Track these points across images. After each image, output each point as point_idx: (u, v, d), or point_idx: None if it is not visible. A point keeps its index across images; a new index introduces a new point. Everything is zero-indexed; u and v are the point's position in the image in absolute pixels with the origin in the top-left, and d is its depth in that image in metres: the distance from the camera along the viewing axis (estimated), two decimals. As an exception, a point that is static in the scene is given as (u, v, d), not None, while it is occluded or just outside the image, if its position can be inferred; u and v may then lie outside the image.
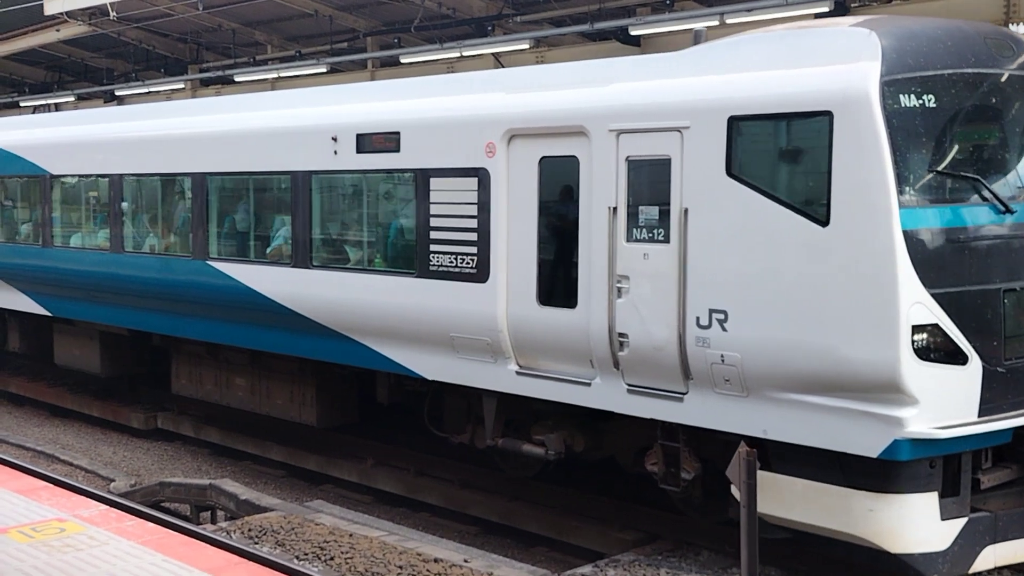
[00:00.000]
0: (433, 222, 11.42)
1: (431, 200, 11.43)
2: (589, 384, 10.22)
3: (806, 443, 8.78)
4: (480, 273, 10.90)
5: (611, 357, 9.87)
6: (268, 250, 13.76)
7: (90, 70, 29.49)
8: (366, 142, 12.10)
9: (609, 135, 9.81)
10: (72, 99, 28.15)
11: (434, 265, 11.35)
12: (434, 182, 11.39)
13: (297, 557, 10.52)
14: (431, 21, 19.79)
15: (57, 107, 29.04)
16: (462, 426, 12.29)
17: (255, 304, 13.54)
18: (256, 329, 13.88)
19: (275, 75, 22.31)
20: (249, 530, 11.26)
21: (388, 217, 12.43)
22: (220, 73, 23.50)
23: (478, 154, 10.89)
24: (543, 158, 10.44)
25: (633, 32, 16.81)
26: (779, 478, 9.02)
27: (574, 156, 10.15)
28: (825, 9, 14.15)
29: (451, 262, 11.18)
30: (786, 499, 9.00)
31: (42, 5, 22.71)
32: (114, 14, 21.78)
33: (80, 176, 17.25)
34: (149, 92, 25.50)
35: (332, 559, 10.46)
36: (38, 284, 18.06)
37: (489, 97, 11.15)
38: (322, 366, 13.88)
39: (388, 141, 11.84)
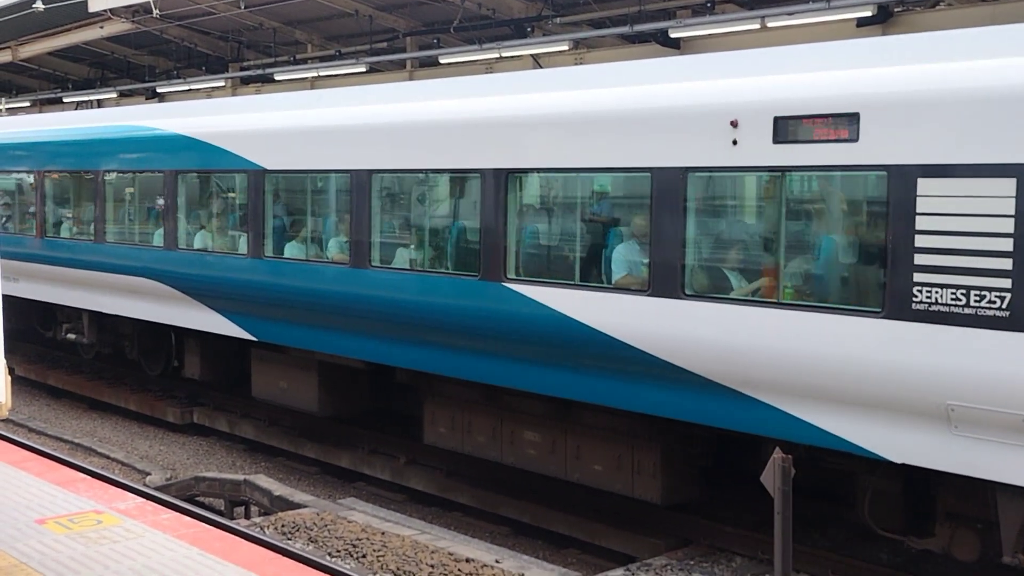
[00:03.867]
0: (920, 241, 8.27)
1: (917, 209, 8.29)
2: None
3: None
4: (1016, 317, 7.82)
5: None
6: (615, 275, 10.50)
7: (132, 67, 29.82)
8: (793, 128, 9.01)
9: None
10: (115, 95, 28.48)
11: (921, 301, 8.26)
12: (924, 184, 8.26)
13: (330, 554, 10.59)
14: (470, 22, 19.83)
15: (100, 103, 29.35)
16: (927, 526, 9.37)
17: (577, 341, 10.55)
18: (570, 372, 10.88)
19: (315, 74, 22.46)
20: (282, 526, 11.36)
21: (823, 231, 9.40)
22: (260, 72, 23.72)
23: (1020, 144, 7.80)
24: None
25: (673, 35, 16.77)
26: None
27: None
28: (868, 14, 14.05)
29: (956, 299, 8.09)
30: None
31: (86, 2, 22.97)
32: (157, 12, 21.98)
33: (308, 172, 13.95)
34: (190, 89, 25.76)
35: (364, 556, 10.52)
36: (239, 302, 14.95)
37: None
38: (666, 425, 10.83)
39: (837, 127, 8.76)
